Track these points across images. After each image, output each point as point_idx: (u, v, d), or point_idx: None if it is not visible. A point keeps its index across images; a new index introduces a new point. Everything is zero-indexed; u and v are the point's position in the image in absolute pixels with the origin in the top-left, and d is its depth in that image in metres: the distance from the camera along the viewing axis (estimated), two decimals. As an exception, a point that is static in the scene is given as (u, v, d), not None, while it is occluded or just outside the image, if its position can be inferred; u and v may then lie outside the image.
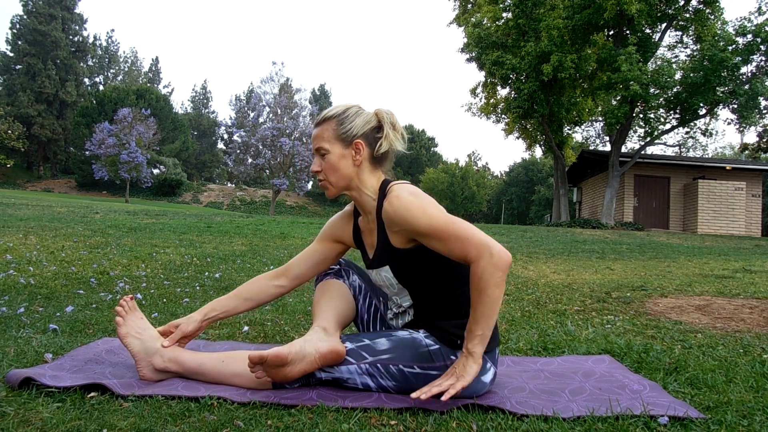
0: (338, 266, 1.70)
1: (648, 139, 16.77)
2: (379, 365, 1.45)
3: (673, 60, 17.12)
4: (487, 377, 1.48)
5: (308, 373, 1.44)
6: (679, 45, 17.67)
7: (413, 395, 1.35)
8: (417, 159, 47.90)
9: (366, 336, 1.51)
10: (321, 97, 54.29)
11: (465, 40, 19.33)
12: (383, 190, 1.50)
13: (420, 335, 1.49)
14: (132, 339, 1.54)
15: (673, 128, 16.93)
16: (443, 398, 1.33)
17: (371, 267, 1.59)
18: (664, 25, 16.46)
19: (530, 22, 16.74)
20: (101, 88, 45.43)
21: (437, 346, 1.47)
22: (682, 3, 15.73)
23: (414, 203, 1.40)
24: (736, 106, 15.16)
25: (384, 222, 1.48)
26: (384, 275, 1.54)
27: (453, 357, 1.46)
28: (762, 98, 14.99)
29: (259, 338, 2.16)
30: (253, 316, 2.52)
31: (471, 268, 1.36)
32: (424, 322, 1.53)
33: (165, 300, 2.90)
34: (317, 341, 1.43)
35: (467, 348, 1.38)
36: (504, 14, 18.16)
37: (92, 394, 1.36)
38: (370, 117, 1.54)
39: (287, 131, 26.24)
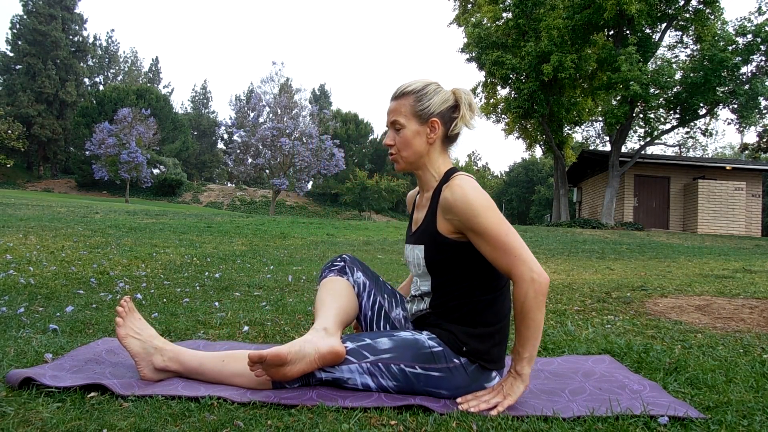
0: (342, 263, 1.68)
1: (648, 139, 16.77)
2: (380, 364, 1.44)
3: (673, 60, 17.12)
4: (491, 385, 1.49)
5: (308, 373, 1.44)
6: (679, 45, 17.68)
7: (459, 401, 1.39)
8: (417, 159, 47.84)
9: (367, 335, 1.50)
10: (321, 97, 54.28)
11: (465, 40, 19.31)
12: (447, 176, 1.50)
13: (423, 336, 1.48)
14: (131, 339, 1.54)
15: (673, 128, 16.94)
16: (492, 413, 1.33)
17: (408, 242, 1.60)
18: (664, 25, 16.46)
19: (530, 22, 16.74)
20: (101, 88, 45.41)
21: (440, 348, 1.46)
22: (682, 3, 15.73)
23: (476, 198, 1.39)
24: (736, 106, 15.16)
25: (438, 205, 1.47)
26: (416, 253, 1.54)
27: (456, 360, 1.45)
28: (762, 98, 14.99)
29: (259, 338, 2.16)
30: (253, 316, 2.52)
31: (514, 289, 1.38)
32: (437, 317, 1.52)
33: (165, 300, 2.90)
34: (317, 341, 1.42)
35: (516, 369, 1.40)
36: (504, 14, 18.17)
37: (92, 394, 1.36)
38: (448, 96, 1.52)
39: (287, 131, 26.22)
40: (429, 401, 1.39)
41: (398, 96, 1.52)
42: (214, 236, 7.74)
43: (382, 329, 1.64)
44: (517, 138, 21.82)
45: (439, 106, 1.50)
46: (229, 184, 46.82)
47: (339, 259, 1.69)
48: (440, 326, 1.50)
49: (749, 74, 15.10)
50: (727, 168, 17.80)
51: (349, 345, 1.47)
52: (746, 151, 22.77)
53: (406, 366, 1.44)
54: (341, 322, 1.53)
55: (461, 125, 1.52)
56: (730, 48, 14.22)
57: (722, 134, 62.20)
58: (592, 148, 23.45)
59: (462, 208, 1.39)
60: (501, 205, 47.19)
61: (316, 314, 1.55)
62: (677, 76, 15.12)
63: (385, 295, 1.69)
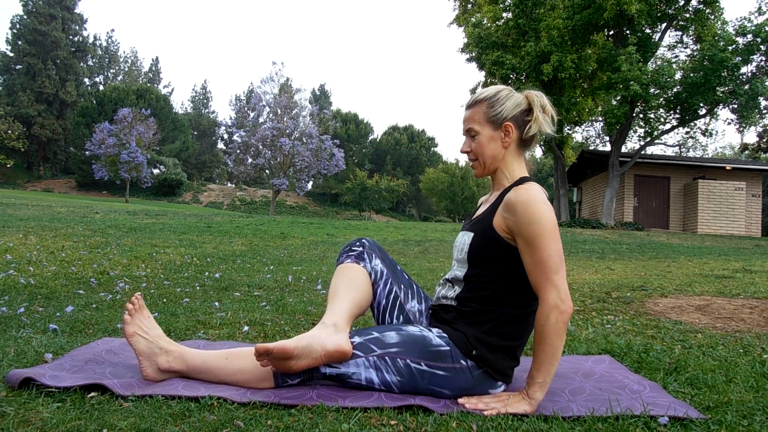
0: (361, 248, 1.66)
1: (648, 139, 16.77)
2: (387, 358, 1.43)
3: (673, 60, 17.11)
4: (495, 392, 1.49)
5: (318, 368, 1.44)
6: (679, 45, 17.67)
7: (460, 401, 1.40)
8: (417, 159, 47.86)
9: (375, 329, 1.50)
10: (321, 97, 54.27)
11: (465, 40, 19.30)
12: (521, 181, 1.51)
13: (431, 334, 1.48)
14: (138, 338, 1.53)
15: (673, 128, 16.93)
16: (485, 413, 1.33)
17: (464, 228, 1.62)
18: (664, 25, 16.45)
19: (530, 22, 16.73)
20: (101, 88, 45.39)
21: (448, 348, 1.46)
22: (682, 3, 15.73)
23: (538, 207, 1.40)
24: (736, 106, 15.15)
25: (502, 202, 1.48)
26: (465, 239, 1.55)
27: (462, 362, 1.45)
28: (762, 98, 14.98)
29: (259, 338, 2.16)
30: (253, 316, 2.52)
31: (538, 310, 1.39)
32: (457, 313, 1.52)
33: (165, 300, 2.90)
34: (325, 338, 1.42)
35: (527, 392, 1.38)
36: (504, 14, 18.14)
37: (92, 394, 1.36)
38: (521, 100, 1.55)
39: (287, 131, 26.22)
40: (429, 401, 1.39)
41: (471, 105, 1.57)
42: (214, 236, 7.74)
43: (395, 320, 1.64)
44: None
45: (512, 110, 1.53)
46: (229, 184, 46.82)
47: (358, 243, 1.68)
48: (455, 326, 1.50)
49: (749, 74, 15.10)
50: (727, 168, 17.80)
51: (357, 339, 1.46)
52: (746, 151, 22.77)
53: (412, 362, 1.43)
54: (352, 315, 1.53)
55: (535, 128, 1.54)
56: (730, 48, 14.21)
57: (722, 134, 62.18)
58: (592, 148, 23.43)
59: (521, 210, 1.40)
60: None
61: (328, 304, 1.54)
62: (677, 76, 15.11)
63: (402, 286, 1.67)
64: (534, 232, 1.38)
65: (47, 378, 1.41)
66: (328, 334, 1.43)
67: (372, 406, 1.34)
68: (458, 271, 1.56)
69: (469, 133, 1.56)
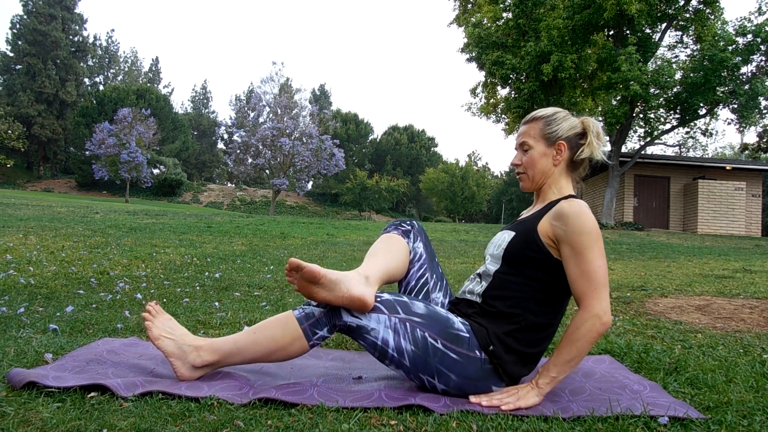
0: (410, 228, 1.71)
1: (648, 139, 16.77)
2: (407, 324, 1.45)
3: (673, 60, 17.11)
4: (498, 389, 1.49)
5: (336, 315, 1.46)
6: (679, 45, 17.66)
7: (472, 398, 1.42)
8: (417, 159, 47.87)
9: (405, 296, 1.53)
10: (321, 97, 54.27)
11: (465, 40, 19.30)
12: (569, 197, 1.56)
13: (456, 318, 1.50)
14: (165, 340, 1.53)
15: (673, 128, 16.93)
16: (503, 408, 1.36)
17: (506, 228, 1.64)
18: (664, 25, 16.45)
19: (530, 22, 16.73)
20: (101, 88, 45.40)
21: (467, 335, 1.47)
22: (682, 3, 15.72)
23: (590, 220, 1.44)
24: (736, 106, 15.15)
25: (550, 210, 1.51)
26: (504, 237, 1.57)
27: (477, 352, 1.46)
28: (762, 98, 14.98)
29: (259, 338, 2.16)
30: (253, 316, 2.52)
31: (577, 314, 1.41)
32: (481, 312, 1.53)
33: (165, 300, 2.91)
34: (353, 283, 1.44)
35: (538, 383, 1.41)
36: (504, 14, 18.14)
37: (92, 394, 1.36)
38: (576, 123, 1.62)
39: (287, 131, 26.22)
40: (429, 401, 1.39)
41: (529, 120, 1.63)
42: (214, 236, 7.74)
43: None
44: (517, 138, 21.79)
45: (567, 131, 1.60)
46: (229, 184, 46.82)
47: (408, 222, 1.73)
48: (476, 321, 1.51)
49: (749, 74, 15.10)
50: (727, 168, 17.80)
51: (386, 296, 1.49)
52: (746, 151, 22.77)
53: (430, 336, 1.45)
54: (384, 278, 1.56)
55: (587, 152, 1.59)
56: (730, 48, 14.21)
57: (722, 134, 62.15)
58: (592, 148, 23.40)
59: (573, 220, 1.44)
60: (501, 205, 47.21)
61: (365, 261, 1.58)
62: (677, 76, 15.11)
63: (434, 276, 1.71)
64: (584, 243, 1.42)
65: (50, 379, 1.41)
66: (358, 282, 1.45)
67: (372, 407, 1.34)
68: (491, 265, 1.58)
69: (522, 146, 1.62)
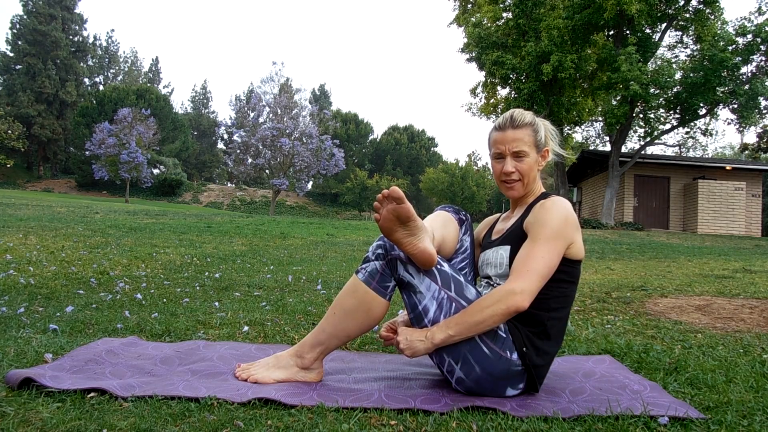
0: (465, 219, 1.73)
1: (648, 139, 16.76)
2: (453, 304, 1.46)
3: (673, 60, 17.11)
4: (511, 393, 1.49)
5: (393, 265, 1.48)
6: (679, 45, 17.67)
7: (383, 332, 1.59)
8: (417, 159, 47.83)
9: (464, 276, 1.54)
10: (321, 97, 54.25)
11: (465, 40, 19.29)
12: (545, 195, 1.62)
13: None
14: (273, 373, 1.55)
15: (673, 128, 16.93)
16: (386, 343, 1.49)
17: (488, 248, 1.65)
18: (664, 25, 16.45)
19: (530, 22, 16.73)
20: (101, 88, 45.36)
21: (504, 335, 1.46)
22: (682, 3, 15.72)
23: (557, 216, 1.47)
24: (736, 106, 15.15)
25: (530, 210, 1.54)
26: (501, 253, 1.58)
27: (509, 352, 1.45)
28: (762, 98, 14.98)
29: (259, 338, 2.16)
30: (253, 316, 2.52)
31: (495, 288, 1.44)
32: None
33: (165, 300, 2.90)
34: (427, 238, 1.46)
35: (432, 333, 1.43)
36: (504, 14, 18.13)
37: (92, 394, 1.36)
38: (546, 127, 1.67)
39: (287, 131, 26.20)
40: (429, 403, 1.39)
41: (518, 126, 1.61)
42: (214, 236, 7.74)
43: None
44: (517, 138, 21.75)
45: (545, 136, 1.65)
46: (229, 184, 46.81)
47: (465, 214, 1.75)
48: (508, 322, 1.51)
49: (749, 74, 15.10)
50: (727, 168, 17.79)
51: (446, 267, 1.51)
52: (746, 151, 22.76)
53: None
54: (438, 243, 1.58)
55: (552, 154, 1.68)
56: (730, 48, 14.21)
57: (722, 134, 62.12)
58: (592, 148, 23.44)
59: (540, 212, 1.48)
60: (501, 205, 47.25)
61: (425, 222, 1.58)
62: (677, 76, 15.10)
63: (472, 272, 1.73)
64: (540, 234, 1.44)
65: (47, 378, 1.41)
66: (428, 237, 1.47)
67: (372, 407, 1.34)
68: (501, 282, 1.57)
69: (517, 154, 1.60)
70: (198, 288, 3.37)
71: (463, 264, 1.69)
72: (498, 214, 1.82)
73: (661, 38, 16.56)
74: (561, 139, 1.65)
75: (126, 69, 53.41)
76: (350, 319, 1.51)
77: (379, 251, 1.53)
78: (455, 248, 1.68)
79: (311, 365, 1.56)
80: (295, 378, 1.55)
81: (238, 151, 27.02)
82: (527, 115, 1.62)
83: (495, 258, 1.59)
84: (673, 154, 22.09)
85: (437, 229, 1.60)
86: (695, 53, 16.47)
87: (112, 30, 70.34)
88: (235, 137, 27.30)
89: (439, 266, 1.49)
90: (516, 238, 1.55)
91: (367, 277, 1.50)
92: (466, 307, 1.46)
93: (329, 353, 1.60)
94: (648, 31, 16.29)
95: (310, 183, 30.60)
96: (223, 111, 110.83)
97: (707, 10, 15.83)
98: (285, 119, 26.50)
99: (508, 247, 1.55)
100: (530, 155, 1.59)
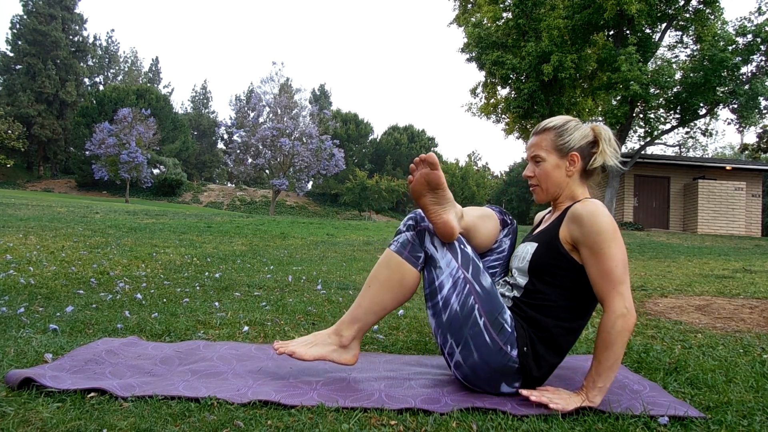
0: (510, 223, 1.74)
1: (648, 139, 16.76)
2: (468, 286, 1.47)
3: (673, 60, 17.10)
4: (506, 390, 1.49)
5: (422, 236, 1.52)
6: (679, 45, 17.66)
7: (523, 392, 1.43)
8: (417, 159, 47.80)
9: (483, 264, 1.56)
10: (321, 97, 54.24)
11: (465, 40, 19.28)
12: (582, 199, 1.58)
13: (508, 310, 1.51)
14: (311, 350, 1.58)
15: (673, 128, 16.92)
16: (551, 407, 1.35)
17: (526, 239, 1.65)
18: (664, 25, 16.45)
19: (530, 22, 16.72)
20: (101, 88, 45.36)
21: (510, 330, 1.46)
22: (682, 3, 15.72)
23: (605, 219, 1.43)
24: (736, 106, 15.15)
25: (567, 214, 1.52)
26: (528, 249, 1.57)
27: (509, 347, 1.45)
28: (762, 98, 14.97)
29: (259, 338, 2.16)
30: (253, 316, 2.52)
31: (603, 318, 1.40)
32: (512, 312, 1.53)
33: (165, 300, 2.90)
34: (452, 213, 1.50)
35: (588, 396, 1.39)
36: (504, 14, 18.13)
37: (92, 393, 1.36)
38: (588, 132, 1.60)
39: (287, 131, 26.20)
40: (429, 403, 1.39)
41: (540, 131, 1.62)
42: (214, 236, 7.74)
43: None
44: (517, 138, 21.76)
45: (578, 141, 1.59)
46: (229, 184, 46.81)
47: (511, 217, 1.76)
48: (517, 317, 1.51)
49: (749, 74, 15.09)
50: (727, 168, 17.79)
51: (469, 249, 1.53)
52: (746, 151, 22.76)
53: (479, 310, 1.46)
54: (472, 234, 1.60)
55: (600, 160, 1.58)
56: (730, 48, 14.20)
57: (722, 134, 62.06)
58: (592, 148, 23.43)
59: (588, 221, 1.43)
60: (501, 205, 47.25)
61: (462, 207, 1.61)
62: (677, 76, 15.10)
63: (502, 273, 1.73)
64: (600, 242, 1.41)
65: (47, 378, 1.41)
66: (456, 214, 1.52)
67: (372, 407, 1.34)
68: (519, 278, 1.57)
69: (535, 159, 1.61)
70: (198, 288, 3.37)
71: (497, 263, 1.71)
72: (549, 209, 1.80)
73: (661, 38, 16.56)
74: (615, 146, 1.59)
75: (126, 69, 53.40)
76: (385, 290, 1.54)
77: (410, 222, 1.61)
78: (490, 245, 1.69)
79: (349, 344, 1.59)
80: (331, 357, 1.58)
81: (238, 151, 27.02)
82: (557, 120, 1.60)
83: (522, 252, 1.60)
84: (673, 154, 22.09)
85: (471, 215, 1.61)
86: (695, 53, 16.47)
87: (112, 30, 70.28)
88: (235, 137, 27.30)
89: (462, 246, 1.52)
90: (547, 237, 1.54)
91: (399, 248, 1.54)
92: (480, 293, 1.47)
93: (366, 331, 1.62)
94: (648, 31, 16.29)
95: (310, 183, 30.59)
96: (223, 111, 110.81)
97: (707, 10, 15.83)
98: (285, 119, 26.50)
99: (535, 245, 1.55)
100: (548, 160, 1.58)
